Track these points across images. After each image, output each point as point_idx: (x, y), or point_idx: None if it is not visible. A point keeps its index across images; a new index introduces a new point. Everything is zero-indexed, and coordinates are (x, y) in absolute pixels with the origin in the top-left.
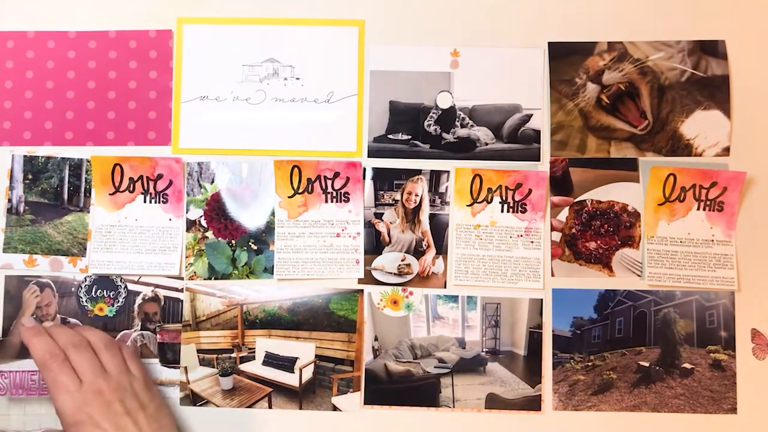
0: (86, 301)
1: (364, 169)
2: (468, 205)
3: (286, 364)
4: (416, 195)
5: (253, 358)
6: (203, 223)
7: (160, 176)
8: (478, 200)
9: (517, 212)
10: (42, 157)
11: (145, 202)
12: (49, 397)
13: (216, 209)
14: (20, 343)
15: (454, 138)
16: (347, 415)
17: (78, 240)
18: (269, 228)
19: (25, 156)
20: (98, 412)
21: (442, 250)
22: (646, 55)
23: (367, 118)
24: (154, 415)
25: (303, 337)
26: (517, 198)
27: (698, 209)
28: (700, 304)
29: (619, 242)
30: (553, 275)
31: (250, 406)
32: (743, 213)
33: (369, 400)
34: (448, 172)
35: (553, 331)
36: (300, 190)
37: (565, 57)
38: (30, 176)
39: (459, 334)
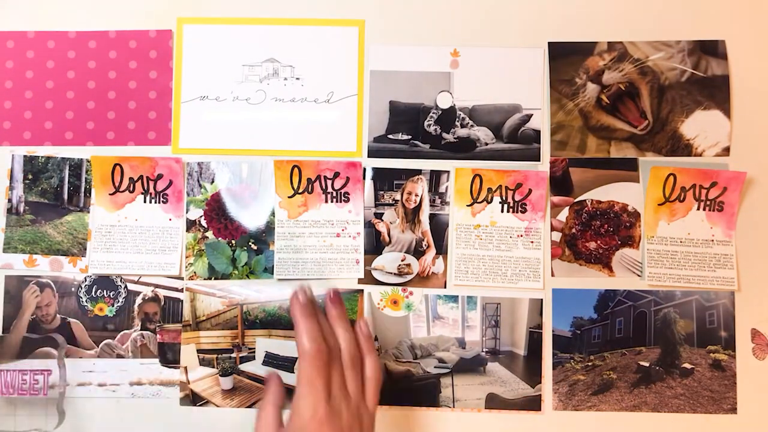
0: (86, 301)
1: (364, 169)
2: (468, 205)
3: (286, 364)
4: (416, 195)
5: (253, 358)
6: (203, 223)
7: (160, 176)
8: (478, 200)
9: (517, 212)
10: (42, 157)
11: (145, 202)
12: (40, 398)
13: (216, 209)
14: (20, 342)
15: (454, 138)
16: None
17: (78, 240)
18: (269, 228)
19: (25, 156)
20: None
21: (442, 250)
22: (646, 55)
23: (367, 118)
24: None
25: None
26: (517, 198)
27: (698, 209)
28: (700, 304)
29: (619, 242)
30: (553, 275)
31: (250, 406)
32: (743, 213)
33: None
34: (448, 172)
35: (553, 331)
36: (300, 190)
37: (565, 57)
38: (30, 176)
39: (459, 334)
